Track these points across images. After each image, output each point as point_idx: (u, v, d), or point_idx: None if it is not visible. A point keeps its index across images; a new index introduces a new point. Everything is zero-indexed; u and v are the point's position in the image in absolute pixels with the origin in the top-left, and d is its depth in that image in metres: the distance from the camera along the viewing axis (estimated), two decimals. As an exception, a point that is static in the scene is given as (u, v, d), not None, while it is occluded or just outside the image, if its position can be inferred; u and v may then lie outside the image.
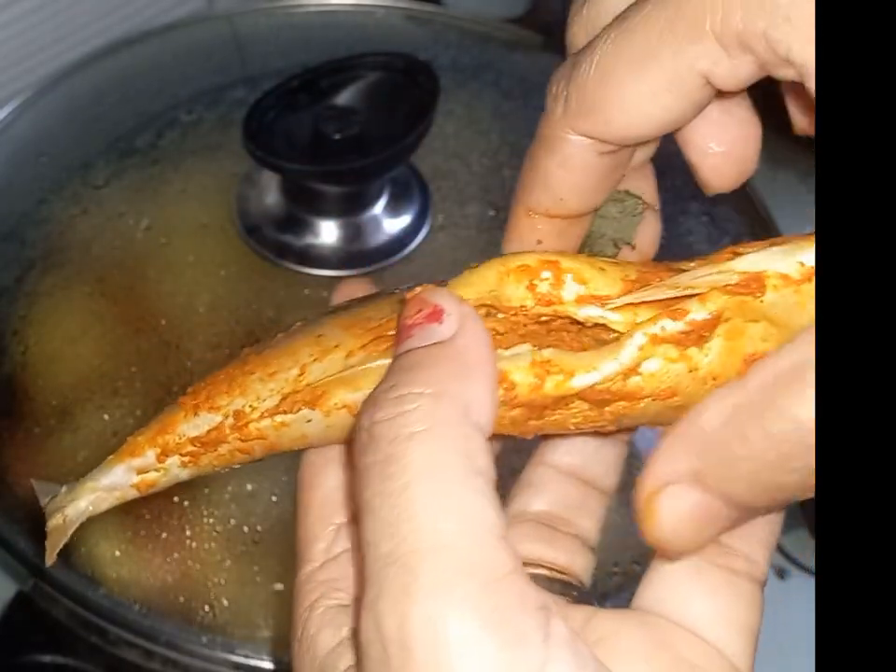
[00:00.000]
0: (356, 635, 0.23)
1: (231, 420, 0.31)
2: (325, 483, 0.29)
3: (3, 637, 0.52)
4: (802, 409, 0.22)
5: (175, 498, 0.51)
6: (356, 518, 0.24)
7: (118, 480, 0.34)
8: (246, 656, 0.49)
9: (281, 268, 0.57)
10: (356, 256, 0.58)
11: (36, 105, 0.67)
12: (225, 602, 0.50)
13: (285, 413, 0.30)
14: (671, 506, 0.24)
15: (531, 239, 0.31)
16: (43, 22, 0.75)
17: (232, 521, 0.51)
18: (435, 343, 0.25)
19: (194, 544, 0.50)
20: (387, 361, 0.27)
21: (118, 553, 0.51)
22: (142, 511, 0.51)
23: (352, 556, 0.28)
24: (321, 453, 0.30)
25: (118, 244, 0.59)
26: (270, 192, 0.60)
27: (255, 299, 0.56)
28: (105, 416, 0.53)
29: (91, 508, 0.34)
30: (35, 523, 0.52)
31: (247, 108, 0.56)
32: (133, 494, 0.33)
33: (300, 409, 0.29)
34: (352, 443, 0.25)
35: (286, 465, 0.52)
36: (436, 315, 0.26)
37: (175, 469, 0.32)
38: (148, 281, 0.57)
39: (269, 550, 0.50)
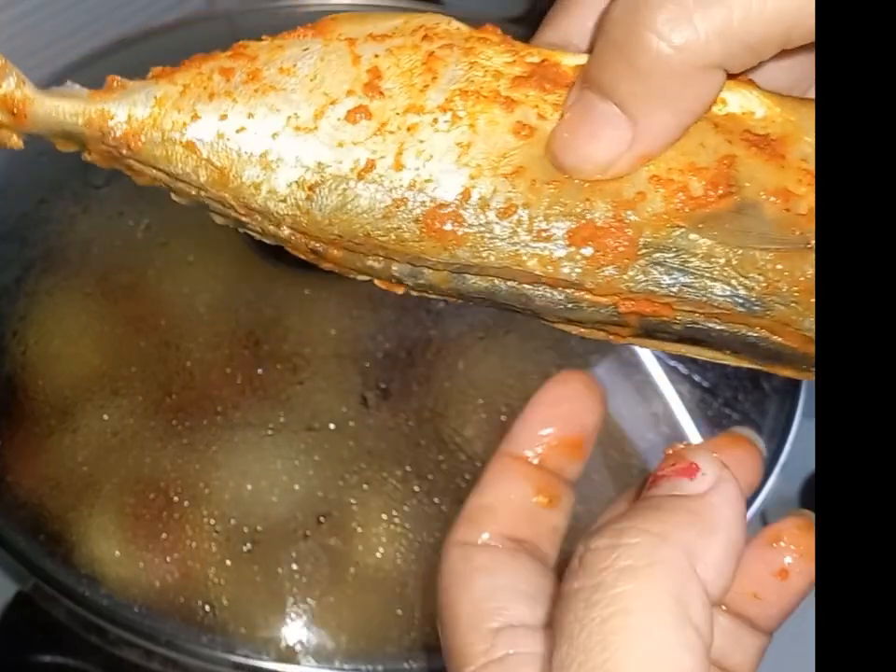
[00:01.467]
0: None
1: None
2: (473, 593, 0.28)
3: (3, 637, 0.52)
4: None
5: (175, 498, 0.51)
6: (551, 642, 0.23)
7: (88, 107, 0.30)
8: (246, 656, 0.49)
9: (281, 268, 0.57)
10: (356, 256, 0.58)
11: (36, 105, 0.67)
12: (225, 602, 0.50)
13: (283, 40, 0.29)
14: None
15: None
16: (43, 22, 0.75)
17: (232, 521, 0.51)
18: (677, 495, 0.24)
19: (194, 544, 0.50)
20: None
21: (118, 553, 0.51)
22: (142, 510, 0.51)
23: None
24: (467, 560, 0.29)
25: (118, 244, 0.59)
26: (270, 192, 0.60)
27: (255, 299, 0.56)
28: (105, 416, 0.53)
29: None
30: (35, 522, 0.52)
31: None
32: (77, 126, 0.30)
33: (301, 36, 0.29)
34: (564, 569, 0.24)
35: (286, 465, 0.52)
36: (689, 471, 0.25)
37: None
38: (148, 281, 0.57)
39: (269, 550, 0.50)
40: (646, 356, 0.57)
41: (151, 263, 0.58)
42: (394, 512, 0.51)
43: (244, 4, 0.77)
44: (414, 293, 0.29)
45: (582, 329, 0.29)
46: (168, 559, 0.50)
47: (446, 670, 0.28)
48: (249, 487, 0.51)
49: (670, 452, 0.26)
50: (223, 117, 0.28)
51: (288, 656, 0.50)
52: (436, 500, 0.51)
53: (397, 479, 0.51)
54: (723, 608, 0.29)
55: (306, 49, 0.29)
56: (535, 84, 0.27)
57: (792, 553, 0.30)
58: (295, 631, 0.50)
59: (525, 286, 0.27)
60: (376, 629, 0.50)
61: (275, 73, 0.28)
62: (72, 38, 0.75)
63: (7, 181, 0.64)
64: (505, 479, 0.30)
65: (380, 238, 0.27)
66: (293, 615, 0.50)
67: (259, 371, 0.54)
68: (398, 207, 0.27)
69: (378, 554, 0.51)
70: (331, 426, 0.52)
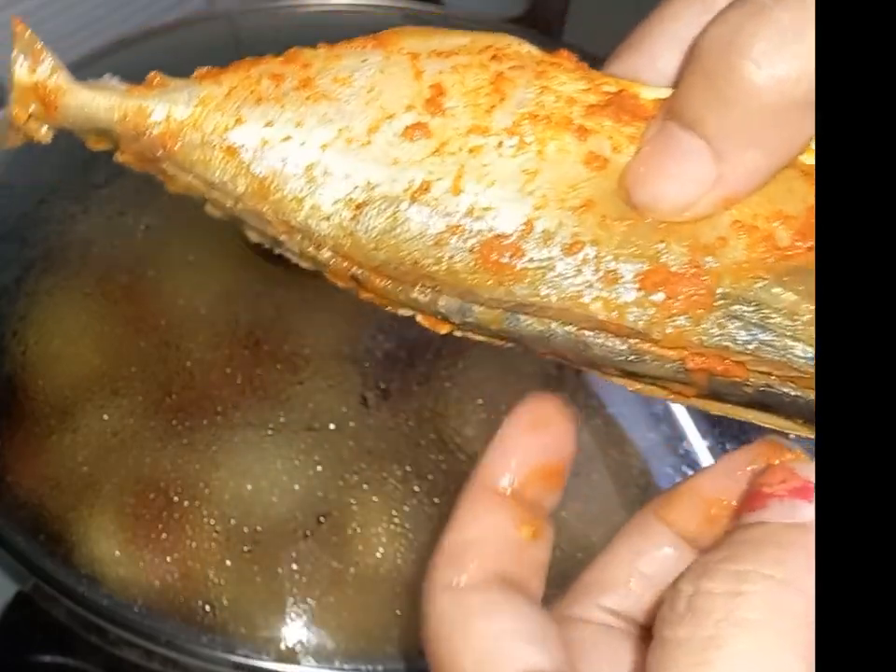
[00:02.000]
0: None
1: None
2: (475, 640, 0.25)
3: (3, 637, 0.52)
4: None
5: (175, 498, 0.51)
6: None
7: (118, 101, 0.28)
8: (246, 656, 0.49)
9: (281, 268, 0.57)
10: (356, 256, 0.58)
11: (36, 105, 0.67)
12: (225, 602, 0.50)
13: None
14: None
15: None
16: (43, 22, 0.75)
17: (232, 521, 0.51)
18: (796, 524, 0.22)
19: (194, 544, 0.50)
20: None
21: (118, 553, 0.51)
22: (142, 510, 0.51)
23: None
24: (459, 604, 0.26)
25: (118, 244, 0.59)
26: (270, 192, 0.60)
27: (255, 299, 0.56)
28: (105, 416, 0.53)
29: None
30: (35, 522, 0.52)
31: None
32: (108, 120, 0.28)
33: (360, 47, 0.27)
34: (660, 605, 0.22)
35: (286, 465, 0.52)
36: (805, 492, 0.22)
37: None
38: (148, 281, 0.57)
39: (269, 550, 0.50)
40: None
41: (151, 263, 0.58)
42: (394, 512, 0.51)
43: (244, 4, 0.77)
44: (459, 333, 0.27)
45: (639, 386, 0.26)
46: (168, 559, 0.50)
47: None
48: (249, 487, 0.51)
49: (775, 462, 0.24)
50: (269, 123, 0.26)
51: (288, 656, 0.50)
52: (436, 501, 0.51)
53: (397, 479, 0.51)
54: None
55: (365, 61, 0.27)
56: (611, 114, 0.25)
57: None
58: (295, 631, 0.50)
59: (584, 332, 0.25)
60: (376, 629, 0.50)
61: (329, 82, 0.26)
62: (72, 38, 0.75)
63: (7, 181, 0.64)
64: (484, 512, 0.27)
65: (429, 267, 0.25)
66: (293, 615, 0.50)
67: (259, 371, 0.54)
68: (452, 234, 0.25)
69: (378, 554, 0.50)
70: (331, 426, 0.52)
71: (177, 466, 0.52)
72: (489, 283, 0.25)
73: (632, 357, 0.25)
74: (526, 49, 0.27)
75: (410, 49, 0.27)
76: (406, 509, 0.51)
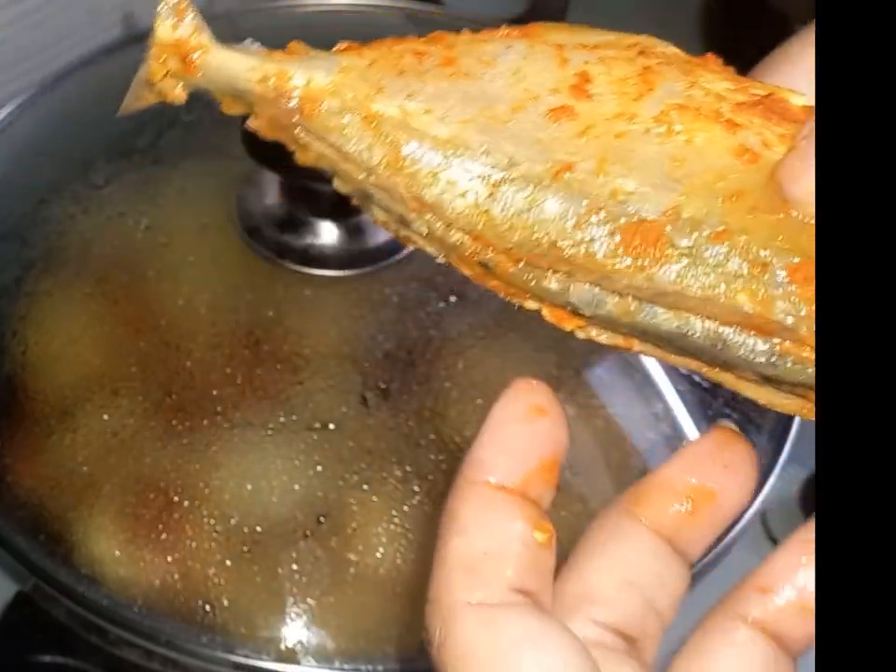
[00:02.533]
0: None
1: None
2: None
3: (3, 637, 0.52)
4: None
5: (175, 498, 0.51)
6: None
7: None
8: (246, 656, 0.49)
9: (281, 268, 0.57)
10: (356, 256, 0.58)
11: (36, 105, 0.67)
12: (225, 602, 0.50)
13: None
14: None
15: None
16: (43, 22, 0.75)
17: (232, 521, 0.51)
18: None
19: (194, 544, 0.50)
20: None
21: (118, 552, 0.51)
22: (142, 510, 0.51)
23: None
24: (495, 629, 0.23)
25: (118, 244, 0.59)
26: (270, 192, 0.60)
27: (255, 299, 0.56)
28: (105, 416, 0.53)
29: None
30: (35, 522, 0.52)
31: (247, 108, 0.56)
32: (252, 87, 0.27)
33: (505, 36, 0.26)
34: None
35: (286, 465, 0.52)
36: None
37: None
38: (148, 281, 0.57)
39: (269, 550, 0.50)
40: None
41: (151, 263, 0.58)
42: (394, 513, 0.51)
43: (244, 4, 0.77)
44: (582, 335, 0.26)
45: (777, 399, 0.25)
46: (168, 559, 0.50)
47: None
48: (249, 487, 0.51)
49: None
50: (410, 95, 0.26)
51: (288, 656, 0.50)
52: (436, 501, 0.51)
53: (397, 479, 0.51)
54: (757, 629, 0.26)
55: (509, 47, 0.26)
56: (760, 113, 0.24)
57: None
58: (295, 631, 0.50)
59: (725, 328, 0.24)
60: (376, 629, 0.50)
61: (473, 62, 0.26)
62: (71, 38, 0.75)
63: (7, 181, 0.64)
64: (495, 516, 0.24)
65: (567, 250, 0.24)
66: (293, 615, 0.50)
67: (259, 371, 0.54)
68: (594, 217, 0.24)
69: (378, 554, 0.50)
70: (331, 426, 0.52)
71: (177, 466, 0.52)
72: (630, 268, 0.24)
73: (773, 358, 0.24)
74: (672, 50, 0.26)
75: (555, 41, 0.26)
76: (406, 509, 0.51)
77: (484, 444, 0.25)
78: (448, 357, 0.55)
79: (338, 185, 0.27)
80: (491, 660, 0.23)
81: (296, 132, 0.27)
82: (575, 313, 0.25)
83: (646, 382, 0.57)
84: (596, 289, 0.25)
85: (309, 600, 0.50)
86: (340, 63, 0.26)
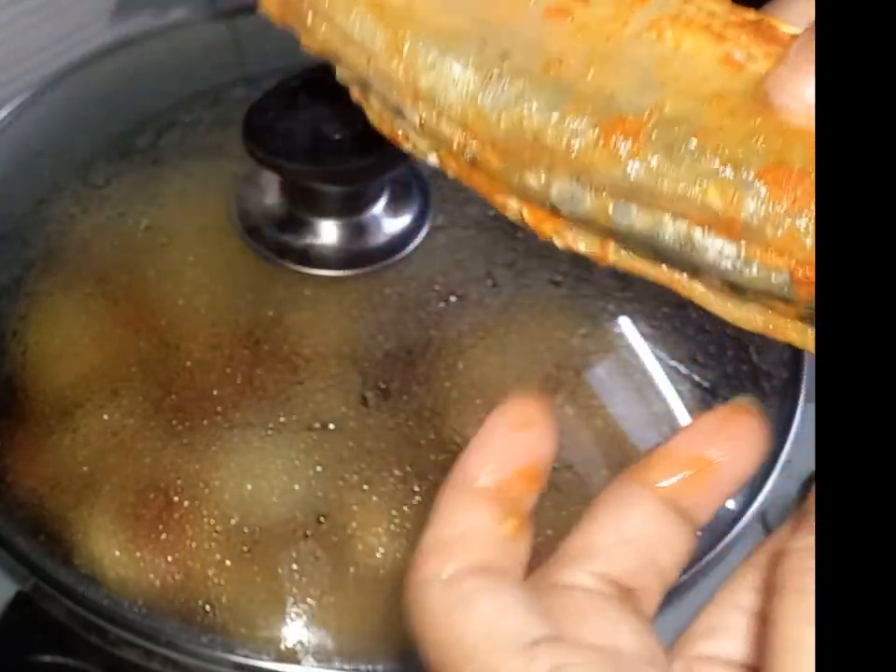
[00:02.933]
0: None
1: None
2: (480, 614, 0.24)
3: (3, 637, 0.52)
4: None
5: (175, 498, 0.51)
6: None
7: None
8: (246, 656, 0.49)
9: (281, 268, 0.57)
10: (356, 256, 0.58)
11: (36, 105, 0.67)
12: (225, 602, 0.50)
13: None
14: None
15: None
16: (43, 22, 0.75)
17: (232, 521, 0.51)
18: None
19: (194, 544, 0.50)
20: None
21: (118, 552, 0.51)
22: (142, 510, 0.51)
23: None
24: (452, 590, 0.25)
25: (118, 244, 0.59)
26: (270, 192, 0.60)
27: (255, 299, 0.56)
28: (105, 416, 0.53)
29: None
30: (35, 522, 0.52)
31: (247, 108, 0.56)
32: None
33: None
34: None
35: (286, 465, 0.52)
36: None
37: None
38: (148, 281, 0.57)
39: (269, 550, 0.50)
40: (646, 356, 0.57)
41: (151, 263, 0.58)
42: (394, 513, 0.51)
43: (244, 3, 0.77)
44: (560, 242, 0.27)
45: (739, 312, 0.26)
46: (168, 559, 0.50)
47: None
48: (249, 487, 0.51)
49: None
50: None
51: (288, 656, 0.50)
52: (436, 500, 0.51)
53: (397, 479, 0.51)
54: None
55: None
56: (749, 31, 0.25)
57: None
58: (295, 631, 0.50)
59: (694, 229, 0.24)
60: (376, 629, 0.50)
61: None
62: (71, 38, 0.75)
63: (7, 181, 0.64)
64: (465, 509, 0.27)
65: (549, 141, 0.25)
66: (293, 615, 0.50)
67: (259, 371, 0.54)
68: (577, 110, 0.25)
69: (378, 555, 0.50)
70: (331, 426, 0.52)
71: (177, 466, 0.52)
72: (608, 160, 0.24)
73: (739, 262, 0.24)
74: None
75: None
76: (406, 509, 0.51)
77: (471, 452, 0.27)
78: (448, 357, 0.55)
79: (340, 73, 0.28)
80: (448, 613, 0.25)
81: (305, 12, 0.28)
82: (554, 213, 0.26)
83: (646, 382, 0.57)
84: (576, 184, 0.25)
85: (309, 600, 0.50)
86: None
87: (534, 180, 0.26)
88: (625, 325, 0.57)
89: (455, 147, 0.26)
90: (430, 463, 0.52)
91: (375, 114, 0.28)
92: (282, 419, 0.52)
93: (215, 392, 0.53)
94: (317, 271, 0.57)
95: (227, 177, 0.61)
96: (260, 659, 0.49)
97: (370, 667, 0.50)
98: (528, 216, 0.27)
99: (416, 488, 0.51)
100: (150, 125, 0.64)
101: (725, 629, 0.28)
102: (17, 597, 0.53)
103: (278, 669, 0.49)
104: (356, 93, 0.29)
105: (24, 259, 0.59)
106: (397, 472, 0.52)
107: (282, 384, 0.53)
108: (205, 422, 0.52)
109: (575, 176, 0.25)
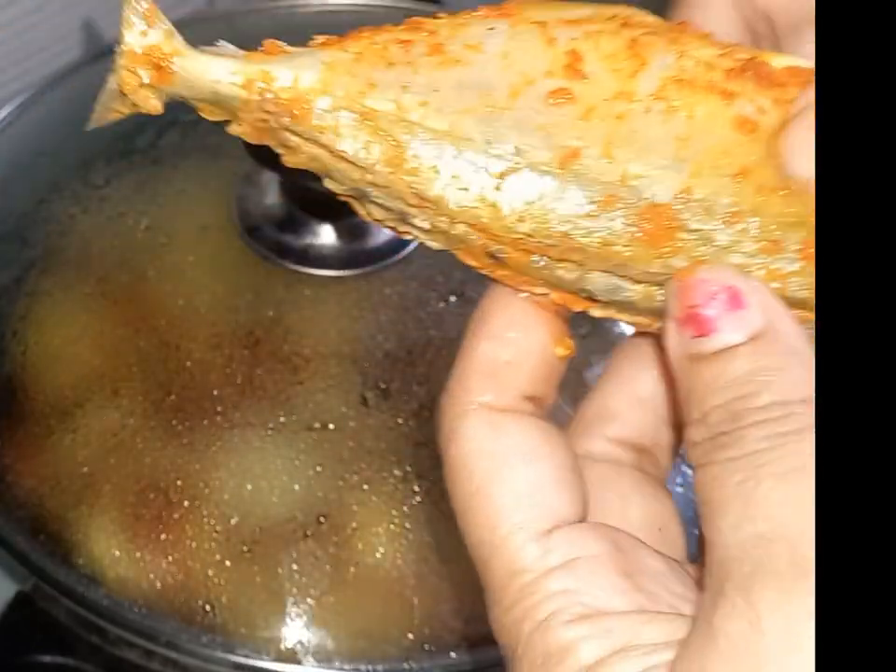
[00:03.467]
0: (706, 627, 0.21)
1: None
2: (515, 484, 0.25)
3: (3, 637, 0.52)
4: None
5: (175, 498, 0.51)
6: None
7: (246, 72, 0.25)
8: (246, 656, 0.49)
9: (281, 268, 0.57)
10: (356, 256, 0.58)
11: (36, 105, 0.67)
12: (225, 602, 0.50)
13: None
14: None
15: None
16: (43, 22, 0.75)
17: (232, 521, 0.51)
18: (756, 338, 0.23)
19: (194, 544, 0.50)
20: None
21: (118, 552, 0.51)
22: (142, 510, 0.51)
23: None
24: (497, 435, 0.25)
25: (118, 244, 0.59)
26: (270, 192, 0.60)
27: (255, 299, 0.56)
28: (105, 416, 0.53)
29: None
30: (35, 522, 0.52)
31: (247, 108, 0.56)
32: (235, 93, 0.26)
33: (483, 17, 0.25)
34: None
35: (286, 465, 0.52)
36: (737, 300, 0.23)
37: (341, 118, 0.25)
38: (148, 281, 0.57)
39: (269, 550, 0.50)
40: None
41: (151, 263, 0.58)
42: (394, 512, 0.51)
43: (244, 4, 0.77)
44: (598, 313, 0.26)
45: None
46: (168, 559, 0.50)
47: (475, 566, 0.25)
48: (249, 487, 0.51)
49: (691, 279, 0.23)
50: (405, 88, 0.25)
51: (288, 656, 0.50)
52: (436, 501, 0.51)
53: (397, 479, 0.51)
54: None
55: (492, 29, 0.25)
56: (750, 78, 0.24)
57: None
58: (295, 631, 0.50)
59: None
60: (376, 629, 0.50)
61: (460, 48, 0.25)
62: (71, 39, 0.75)
63: (7, 181, 0.64)
64: (524, 325, 0.26)
65: (580, 239, 0.24)
66: (293, 615, 0.50)
67: (259, 371, 0.54)
68: (605, 203, 0.24)
69: (378, 554, 0.50)
70: (331, 426, 0.52)
71: (177, 466, 0.52)
72: (646, 255, 0.24)
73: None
74: (651, 18, 0.26)
75: (535, 19, 0.25)
76: (406, 509, 0.51)
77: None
78: (448, 357, 0.54)
79: (330, 185, 0.26)
80: (486, 463, 0.25)
81: (284, 135, 0.26)
82: (591, 298, 0.25)
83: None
84: (613, 277, 0.24)
85: (309, 600, 0.50)
86: (324, 58, 0.25)
87: (566, 273, 0.25)
88: (625, 325, 0.57)
89: (473, 246, 0.25)
90: (430, 463, 0.52)
91: (375, 217, 0.26)
92: (282, 419, 0.52)
93: (215, 392, 0.53)
94: (317, 271, 0.57)
95: (227, 177, 0.61)
96: (260, 659, 0.49)
97: (370, 667, 0.50)
98: (558, 298, 0.26)
99: (416, 488, 0.51)
100: (150, 125, 0.64)
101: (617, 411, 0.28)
102: (17, 597, 0.53)
103: (278, 669, 0.49)
104: (350, 200, 0.27)
105: (24, 258, 0.59)
106: (397, 472, 0.52)
107: (282, 384, 0.53)
108: (205, 422, 0.52)
109: (611, 270, 0.24)
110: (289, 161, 0.26)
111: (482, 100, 0.24)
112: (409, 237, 0.26)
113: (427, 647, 0.49)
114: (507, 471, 0.25)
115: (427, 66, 0.25)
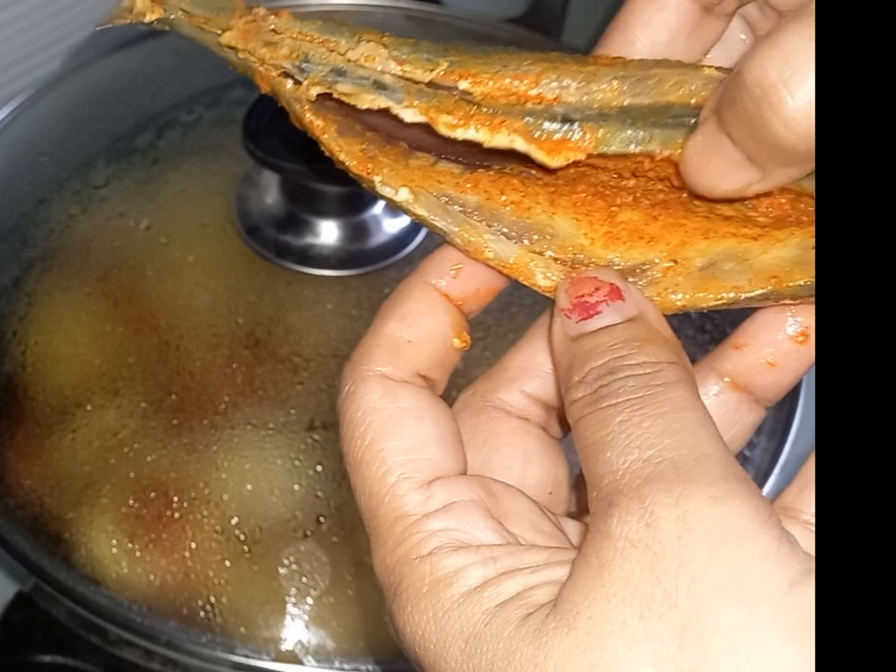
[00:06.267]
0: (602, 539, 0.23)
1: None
2: (405, 439, 0.27)
3: (3, 637, 0.52)
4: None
5: (175, 498, 0.51)
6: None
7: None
8: (246, 656, 0.49)
9: (281, 268, 0.57)
10: (356, 256, 0.58)
11: (36, 105, 0.67)
12: (225, 602, 0.50)
13: None
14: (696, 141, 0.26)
15: None
16: (43, 22, 0.75)
17: (232, 521, 0.51)
18: (630, 320, 0.26)
19: (194, 544, 0.50)
20: None
21: (118, 552, 0.51)
22: (142, 510, 0.51)
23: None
24: (393, 398, 0.27)
25: (118, 244, 0.59)
26: (270, 192, 0.60)
27: (255, 299, 0.56)
28: (105, 416, 0.53)
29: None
30: (35, 522, 0.52)
31: (247, 108, 0.56)
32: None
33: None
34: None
35: (286, 465, 0.52)
36: (617, 293, 0.27)
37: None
38: (148, 281, 0.57)
39: (269, 550, 0.50)
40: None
41: (151, 263, 0.58)
42: (394, 512, 0.51)
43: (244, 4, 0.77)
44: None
45: None
46: (168, 559, 0.50)
47: (363, 517, 0.28)
48: (249, 487, 0.51)
49: (579, 277, 0.27)
50: None
51: (288, 656, 0.50)
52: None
53: (397, 479, 0.51)
54: (726, 379, 0.30)
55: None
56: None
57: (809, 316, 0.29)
58: (295, 631, 0.50)
59: None
60: (376, 629, 0.50)
61: None
62: (71, 39, 0.75)
63: (7, 181, 0.64)
64: (429, 311, 0.29)
65: None
66: (293, 615, 0.50)
67: (259, 371, 0.54)
68: None
69: (378, 554, 0.50)
70: (331, 426, 0.52)
71: (177, 466, 0.52)
72: None
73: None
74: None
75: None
76: (406, 509, 0.51)
77: (442, 252, 0.30)
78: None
79: (308, 79, 0.31)
80: (382, 421, 0.27)
81: (269, 34, 0.31)
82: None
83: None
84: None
85: (309, 600, 0.50)
86: None
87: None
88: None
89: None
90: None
91: (345, 93, 0.31)
92: (282, 419, 0.52)
93: (215, 392, 0.53)
94: (317, 271, 0.57)
95: (227, 177, 0.61)
96: (260, 659, 0.49)
97: (369, 667, 0.50)
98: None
99: (416, 488, 0.51)
100: (150, 125, 0.64)
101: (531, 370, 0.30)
102: (17, 597, 0.53)
103: (278, 669, 0.49)
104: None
105: (24, 258, 0.59)
106: (397, 472, 0.52)
107: (282, 384, 0.53)
108: (205, 422, 0.52)
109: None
110: (272, 57, 0.31)
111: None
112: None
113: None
114: (398, 427, 0.27)
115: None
